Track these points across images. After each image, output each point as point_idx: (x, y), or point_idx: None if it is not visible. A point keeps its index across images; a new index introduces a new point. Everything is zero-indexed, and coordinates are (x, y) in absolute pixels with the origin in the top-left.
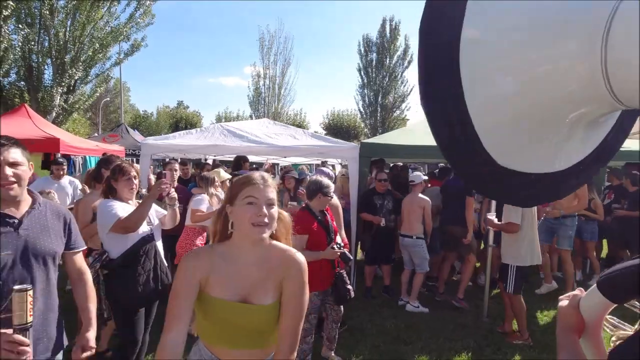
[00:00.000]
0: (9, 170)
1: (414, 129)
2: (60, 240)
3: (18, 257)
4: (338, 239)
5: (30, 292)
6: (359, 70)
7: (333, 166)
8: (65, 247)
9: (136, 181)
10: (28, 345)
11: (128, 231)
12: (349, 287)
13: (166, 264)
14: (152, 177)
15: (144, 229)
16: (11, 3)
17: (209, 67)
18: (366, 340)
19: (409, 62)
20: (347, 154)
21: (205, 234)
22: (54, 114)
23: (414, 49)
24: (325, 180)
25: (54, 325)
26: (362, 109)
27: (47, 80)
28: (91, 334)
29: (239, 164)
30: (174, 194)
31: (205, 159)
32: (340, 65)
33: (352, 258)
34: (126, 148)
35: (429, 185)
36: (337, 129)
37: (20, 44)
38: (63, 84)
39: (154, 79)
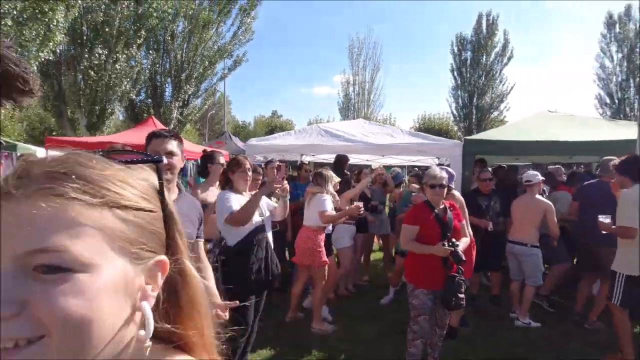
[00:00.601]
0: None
1: (520, 125)
2: (194, 229)
3: None
4: (464, 241)
5: None
6: (452, 70)
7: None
8: (195, 235)
9: (250, 173)
10: None
11: (239, 224)
12: (460, 295)
13: (275, 256)
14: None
15: (256, 219)
16: (143, 32)
17: (300, 77)
18: (477, 353)
19: (509, 59)
20: (449, 151)
21: (324, 234)
22: (171, 126)
23: (515, 44)
24: (435, 172)
25: None
26: (455, 112)
27: (167, 97)
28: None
29: (340, 163)
30: (287, 186)
31: (302, 161)
32: (429, 68)
33: (464, 259)
34: (230, 153)
35: (544, 188)
36: (429, 132)
37: (149, 67)
38: (179, 99)
39: (251, 90)
